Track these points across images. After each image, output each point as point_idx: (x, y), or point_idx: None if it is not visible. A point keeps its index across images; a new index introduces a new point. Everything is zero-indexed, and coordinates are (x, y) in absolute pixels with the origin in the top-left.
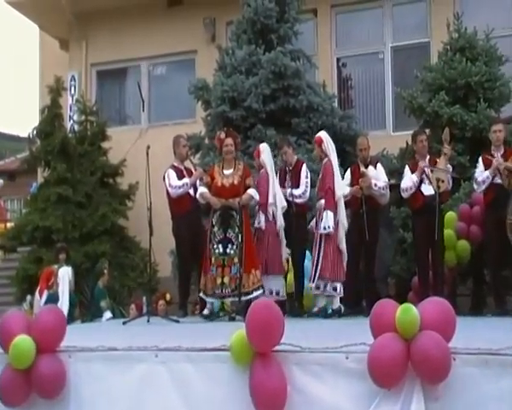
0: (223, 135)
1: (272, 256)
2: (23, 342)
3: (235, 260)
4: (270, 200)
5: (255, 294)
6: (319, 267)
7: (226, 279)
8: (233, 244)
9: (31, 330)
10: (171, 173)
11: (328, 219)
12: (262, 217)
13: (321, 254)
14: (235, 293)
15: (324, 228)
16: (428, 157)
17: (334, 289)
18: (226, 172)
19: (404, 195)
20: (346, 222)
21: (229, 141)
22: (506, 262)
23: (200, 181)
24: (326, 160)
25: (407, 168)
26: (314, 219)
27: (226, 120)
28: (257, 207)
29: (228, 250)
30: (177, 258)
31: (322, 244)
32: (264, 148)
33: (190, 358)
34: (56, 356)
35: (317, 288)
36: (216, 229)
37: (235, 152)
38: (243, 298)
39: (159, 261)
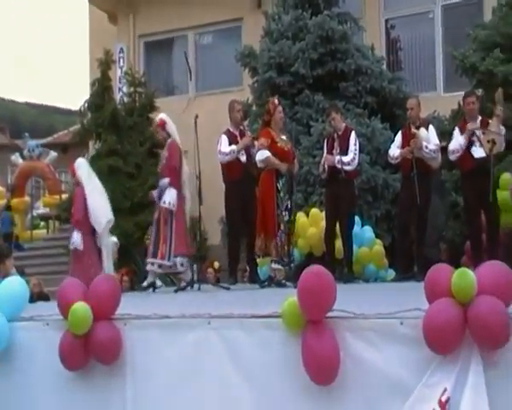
0: (277, 101)
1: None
2: (80, 308)
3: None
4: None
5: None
6: (173, 245)
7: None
8: (291, 211)
9: (87, 298)
10: (224, 139)
11: (170, 195)
12: (77, 236)
13: (173, 231)
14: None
15: (164, 202)
16: (480, 118)
17: (182, 264)
18: (283, 137)
19: (451, 157)
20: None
21: (281, 108)
22: None
23: (252, 147)
24: (170, 140)
25: (457, 130)
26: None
27: (273, 87)
28: (72, 225)
29: (291, 218)
30: (226, 225)
31: (173, 223)
32: (80, 163)
33: (242, 325)
34: (112, 323)
35: (175, 265)
36: (282, 194)
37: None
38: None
39: (208, 230)
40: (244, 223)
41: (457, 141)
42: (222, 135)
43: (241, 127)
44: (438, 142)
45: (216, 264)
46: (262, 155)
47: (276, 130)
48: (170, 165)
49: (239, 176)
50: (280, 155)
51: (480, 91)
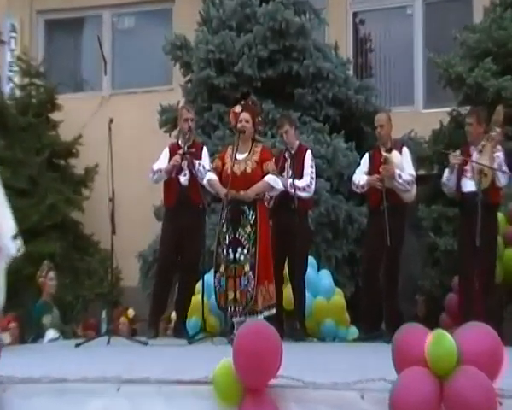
0: (238, 108)
1: None
2: None
3: (246, 268)
4: None
5: (266, 313)
6: None
7: (238, 294)
8: (243, 248)
9: None
10: (163, 153)
11: None
12: None
13: None
14: (247, 310)
15: None
16: (483, 143)
17: None
18: (240, 156)
19: (444, 190)
20: None
21: (246, 116)
22: None
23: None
24: None
25: None
26: None
27: (211, 89)
28: None
29: (237, 255)
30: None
31: None
32: None
33: (162, 393)
34: None
35: None
36: (225, 228)
37: (252, 130)
38: (258, 317)
39: (123, 267)
40: (177, 262)
41: (446, 172)
42: (166, 147)
43: (191, 140)
44: (413, 171)
45: (130, 312)
46: (206, 177)
47: (240, 145)
48: None
49: (175, 201)
50: (226, 181)
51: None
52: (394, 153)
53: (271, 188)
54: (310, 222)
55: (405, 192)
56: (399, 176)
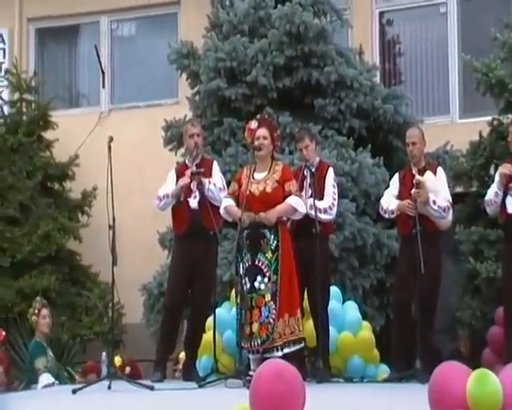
0: (254, 124)
1: None
2: None
3: (267, 297)
4: None
5: (294, 348)
6: None
7: (255, 327)
8: (264, 276)
9: None
10: (170, 176)
11: None
12: None
13: None
14: (268, 346)
15: None
16: None
17: None
18: (258, 175)
19: (488, 210)
20: None
21: (263, 132)
22: None
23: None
24: None
25: (499, 170)
26: None
27: (222, 101)
28: None
29: (257, 284)
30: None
31: None
32: None
33: None
34: None
35: None
36: (244, 253)
37: (271, 148)
38: (277, 354)
39: (125, 302)
40: (188, 296)
41: (492, 188)
42: (172, 169)
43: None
44: (449, 195)
45: (117, 360)
46: (222, 203)
47: (258, 164)
48: None
49: (186, 228)
50: (241, 202)
51: None
52: (428, 174)
53: (294, 211)
54: (334, 248)
55: (441, 219)
56: (434, 202)
